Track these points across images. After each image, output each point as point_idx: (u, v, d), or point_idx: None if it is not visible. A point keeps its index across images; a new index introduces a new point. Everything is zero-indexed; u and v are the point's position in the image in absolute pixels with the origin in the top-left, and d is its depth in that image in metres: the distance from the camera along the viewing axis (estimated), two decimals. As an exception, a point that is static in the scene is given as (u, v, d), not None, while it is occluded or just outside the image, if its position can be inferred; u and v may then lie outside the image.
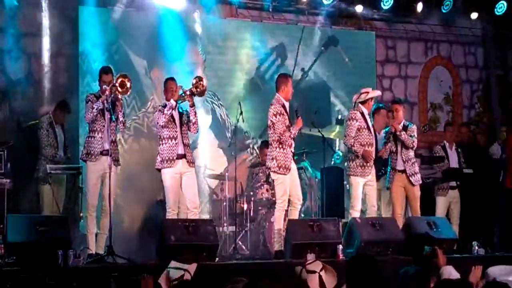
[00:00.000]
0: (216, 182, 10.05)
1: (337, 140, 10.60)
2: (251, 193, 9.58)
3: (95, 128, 8.09)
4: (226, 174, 9.66)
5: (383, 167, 9.19)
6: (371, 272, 4.97)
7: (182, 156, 8.18)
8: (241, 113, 9.90)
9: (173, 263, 6.16)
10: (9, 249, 7.01)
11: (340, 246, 7.95)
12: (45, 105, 9.39)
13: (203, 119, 10.50)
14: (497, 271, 6.05)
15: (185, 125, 8.29)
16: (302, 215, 9.30)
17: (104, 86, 8.05)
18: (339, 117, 10.99)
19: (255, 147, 10.75)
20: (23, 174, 8.94)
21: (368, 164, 8.64)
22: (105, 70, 8.30)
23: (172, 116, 8.19)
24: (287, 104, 8.33)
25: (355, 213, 8.56)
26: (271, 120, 8.22)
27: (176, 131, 8.20)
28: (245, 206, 9.42)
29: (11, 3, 9.70)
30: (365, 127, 8.71)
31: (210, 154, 10.54)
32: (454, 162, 10.17)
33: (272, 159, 8.23)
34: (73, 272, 6.85)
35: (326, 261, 6.91)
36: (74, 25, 10.10)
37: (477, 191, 10.22)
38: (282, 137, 8.16)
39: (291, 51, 11.37)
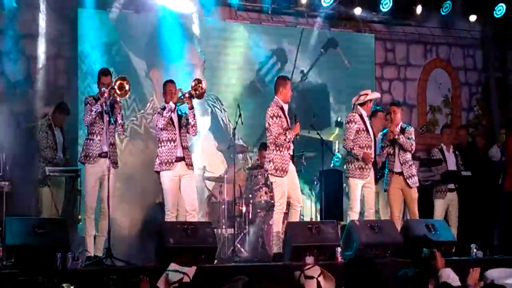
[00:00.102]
0: (215, 185, 10.05)
1: (336, 142, 10.60)
2: (250, 195, 9.58)
3: (93, 131, 8.09)
4: (225, 176, 9.66)
5: (380, 169, 9.19)
6: (369, 274, 4.98)
7: (181, 159, 8.19)
8: (240, 115, 9.90)
9: (172, 266, 6.17)
10: (8, 252, 7.01)
11: (339, 249, 7.94)
12: (44, 107, 9.37)
13: (203, 121, 10.52)
14: (495, 274, 6.05)
15: (184, 128, 8.29)
16: (302, 217, 9.31)
17: (103, 89, 8.04)
18: (339, 119, 10.99)
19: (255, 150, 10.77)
20: (22, 177, 8.93)
21: (367, 166, 8.65)
22: (104, 72, 8.29)
23: (171, 118, 8.19)
24: (285, 107, 8.32)
25: (354, 214, 8.58)
26: (268, 122, 8.24)
27: (175, 134, 8.20)
28: (244, 209, 9.42)
29: (10, 5, 9.71)
30: (364, 129, 8.72)
31: (209, 157, 10.53)
32: (452, 164, 10.17)
33: (270, 161, 8.24)
34: (72, 275, 6.85)
35: (324, 264, 6.96)
36: (73, 27, 10.10)
37: (475, 193, 10.22)
38: (277, 140, 8.16)
39: (290, 53, 11.38)
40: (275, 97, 8.34)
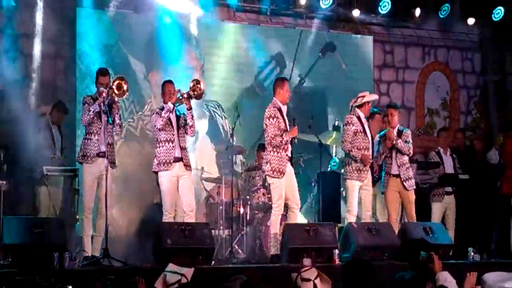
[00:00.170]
0: (213, 186, 10.05)
1: (334, 146, 10.59)
2: (248, 197, 9.58)
3: (91, 130, 8.08)
4: (223, 177, 9.66)
5: (378, 173, 9.19)
6: (367, 277, 5.00)
7: (179, 159, 8.18)
8: (238, 116, 9.91)
9: (170, 266, 6.17)
10: (5, 251, 7.02)
11: (336, 251, 7.94)
12: (43, 106, 9.36)
13: (201, 124, 10.53)
14: (493, 278, 6.06)
15: (182, 128, 8.28)
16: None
17: (101, 89, 8.04)
18: (336, 123, 10.98)
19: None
20: (20, 176, 8.92)
21: (365, 168, 8.67)
22: (102, 72, 8.29)
23: (169, 119, 8.19)
24: (284, 108, 8.33)
25: (352, 217, 8.58)
26: (265, 123, 8.25)
27: (173, 134, 8.20)
28: (242, 210, 9.42)
29: (8, 4, 9.71)
30: (361, 131, 8.73)
31: (207, 158, 10.53)
32: (449, 167, 10.19)
33: (267, 162, 8.26)
34: (69, 274, 6.84)
35: (322, 266, 6.96)
36: (72, 26, 10.09)
37: (473, 197, 10.23)
38: (273, 141, 8.17)
39: (289, 55, 11.38)
40: (274, 98, 8.35)
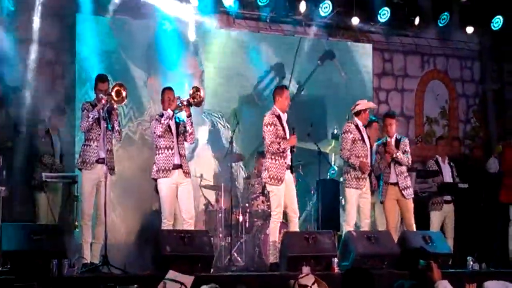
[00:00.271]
0: (212, 193, 10.04)
1: (333, 154, 10.59)
2: (247, 204, 9.58)
3: (90, 137, 8.08)
4: (222, 185, 9.65)
5: (376, 180, 9.19)
6: (366, 285, 5.00)
7: (178, 166, 8.17)
8: (238, 123, 9.93)
9: (171, 273, 6.15)
10: (4, 258, 6.99)
11: (336, 259, 7.92)
12: (42, 112, 9.34)
13: (202, 131, 10.53)
14: (492, 286, 6.05)
15: (181, 136, 8.28)
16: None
17: (101, 95, 8.04)
18: (335, 131, 10.98)
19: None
20: (19, 182, 8.91)
21: (363, 176, 8.67)
22: (101, 78, 8.29)
23: (169, 126, 8.18)
24: (283, 116, 8.33)
25: (348, 227, 8.57)
26: (263, 130, 8.27)
27: (172, 141, 8.19)
28: (241, 218, 9.42)
29: (8, 10, 9.70)
30: (360, 138, 8.75)
31: (206, 165, 10.52)
32: (447, 176, 10.19)
33: (265, 169, 8.27)
34: (68, 282, 6.83)
35: (321, 274, 6.95)
36: (72, 32, 10.09)
37: (472, 205, 10.23)
38: (270, 148, 8.17)
39: (288, 63, 11.39)
40: (273, 106, 8.36)
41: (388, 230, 8.82)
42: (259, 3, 10.89)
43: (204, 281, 6.79)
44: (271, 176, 8.18)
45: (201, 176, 9.99)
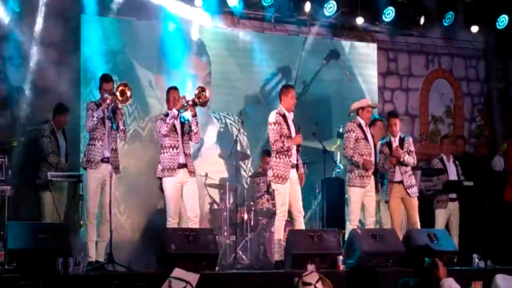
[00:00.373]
0: (217, 192, 10.05)
1: (338, 153, 10.59)
2: (252, 202, 9.58)
3: (95, 136, 8.10)
4: (227, 183, 9.66)
5: (380, 179, 9.20)
6: (371, 283, 4.99)
7: (183, 166, 8.18)
8: (242, 122, 9.93)
9: (176, 271, 6.15)
10: (9, 256, 7.00)
11: (340, 257, 7.93)
12: (47, 112, 9.36)
13: (210, 131, 10.53)
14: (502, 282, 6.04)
15: (186, 135, 8.29)
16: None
17: (106, 95, 8.06)
18: (340, 130, 10.99)
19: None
20: (24, 181, 8.93)
21: (367, 173, 8.66)
22: (105, 78, 8.31)
23: (174, 125, 8.19)
24: (289, 115, 8.34)
25: (352, 227, 8.54)
26: (268, 129, 8.30)
27: (177, 141, 8.20)
28: (246, 216, 9.42)
29: (13, 11, 9.73)
30: (363, 137, 8.75)
31: (211, 164, 10.53)
32: (452, 174, 10.19)
33: (270, 168, 8.30)
34: (73, 280, 6.84)
35: (326, 272, 6.94)
36: (76, 33, 10.11)
37: (477, 203, 10.22)
38: (273, 146, 8.19)
39: (293, 62, 11.39)
40: (279, 105, 8.38)
41: (393, 228, 8.82)
42: (264, 3, 10.91)
43: (209, 279, 6.83)
44: (276, 175, 8.19)
45: (206, 174, 10.00)
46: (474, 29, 11.94)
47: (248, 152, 10.79)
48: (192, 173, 8.24)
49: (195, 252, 7.49)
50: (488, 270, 8.17)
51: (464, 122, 12.60)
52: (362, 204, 8.76)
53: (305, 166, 9.70)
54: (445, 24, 11.73)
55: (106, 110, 8.00)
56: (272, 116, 8.28)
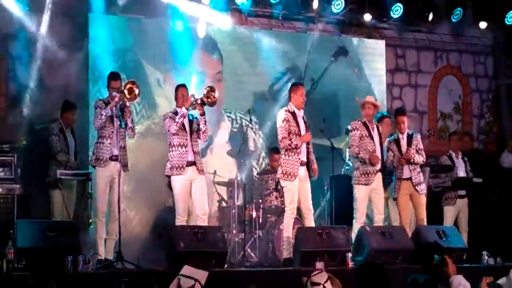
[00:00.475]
0: (226, 189, 10.05)
1: (347, 150, 10.58)
2: (260, 200, 9.58)
3: (104, 134, 8.12)
4: (235, 181, 9.66)
5: (388, 176, 9.18)
6: (380, 280, 4.98)
7: (192, 163, 8.19)
8: (250, 120, 9.93)
9: (186, 268, 6.15)
10: (19, 254, 7.02)
11: (349, 254, 7.93)
12: (55, 111, 9.37)
13: (222, 129, 10.53)
14: None
15: (195, 133, 8.29)
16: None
17: (114, 93, 8.07)
18: (349, 127, 10.97)
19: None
20: (34, 180, 8.95)
21: (372, 170, 8.63)
22: (113, 76, 8.33)
23: (182, 123, 8.20)
24: (299, 112, 8.34)
25: (358, 225, 8.53)
26: (277, 126, 8.31)
27: (186, 139, 8.21)
28: (254, 214, 9.42)
29: (21, 9, 9.75)
30: (367, 135, 8.75)
31: (219, 161, 10.54)
32: (461, 171, 10.16)
33: (279, 165, 8.31)
34: (82, 278, 6.87)
35: (335, 269, 6.95)
36: (84, 31, 10.13)
37: (486, 200, 10.19)
38: (281, 144, 8.20)
39: (301, 60, 11.37)
40: (289, 102, 8.39)
41: (402, 225, 8.81)
42: (271, 1, 10.90)
43: (218, 277, 6.84)
44: (285, 172, 8.20)
45: (215, 172, 10.00)
46: (483, 25, 11.90)
47: (261, 150, 10.79)
48: (201, 171, 8.25)
49: (203, 250, 7.50)
50: (497, 267, 8.15)
51: (473, 119, 12.57)
52: (370, 201, 8.75)
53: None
54: (454, 20, 11.70)
55: (114, 108, 8.01)
56: (281, 114, 8.30)
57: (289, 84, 10.69)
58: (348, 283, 6.04)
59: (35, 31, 9.80)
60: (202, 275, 6.22)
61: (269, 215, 9.49)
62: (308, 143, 8.34)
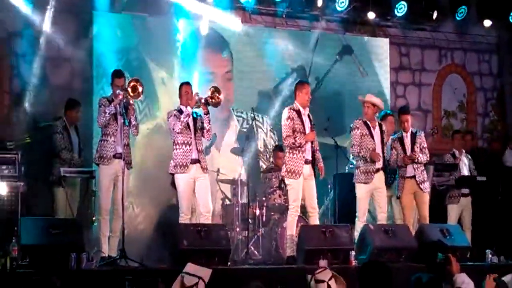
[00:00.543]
0: (229, 187, 10.05)
1: (351, 149, 10.57)
2: (264, 198, 9.58)
3: (108, 132, 8.13)
4: (239, 179, 9.66)
5: (392, 174, 9.18)
6: (383, 279, 4.97)
7: (196, 161, 8.19)
8: (254, 118, 9.92)
9: (189, 266, 6.16)
10: (23, 252, 7.03)
11: (353, 252, 7.92)
12: (59, 108, 9.38)
13: (230, 131, 10.56)
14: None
15: (199, 131, 8.28)
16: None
17: (118, 91, 8.08)
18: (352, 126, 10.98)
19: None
20: (37, 177, 8.96)
21: (372, 169, 8.62)
22: (117, 74, 8.33)
23: (187, 122, 8.20)
24: (304, 111, 8.34)
25: (361, 224, 8.53)
26: (281, 124, 8.30)
27: (190, 138, 8.21)
28: (258, 211, 9.42)
29: (26, 7, 9.76)
30: (367, 134, 8.74)
31: (226, 159, 10.53)
32: (464, 169, 10.15)
33: (283, 163, 8.32)
34: (86, 275, 6.88)
35: (338, 268, 6.94)
36: (88, 29, 10.13)
37: (490, 198, 10.17)
38: (285, 142, 8.21)
39: (305, 58, 11.36)
40: (294, 101, 8.40)
41: (405, 223, 8.80)
42: (276, -1, 10.91)
43: (221, 275, 6.84)
44: (289, 170, 8.20)
45: (218, 170, 10.00)
46: (487, 23, 11.87)
47: (269, 148, 10.79)
48: (204, 169, 8.25)
49: (207, 247, 7.51)
50: (501, 266, 8.15)
51: (477, 117, 12.54)
52: (373, 199, 8.73)
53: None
54: (458, 18, 11.68)
55: (118, 106, 8.02)
56: (286, 112, 8.31)
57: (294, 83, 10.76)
58: (352, 281, 6.04)
59: (39, 29, 9.81)
60: (205, 272, 6.23)
61: (272, 213, 9.49)
62: (313, 142, 8.34)
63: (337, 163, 9.55)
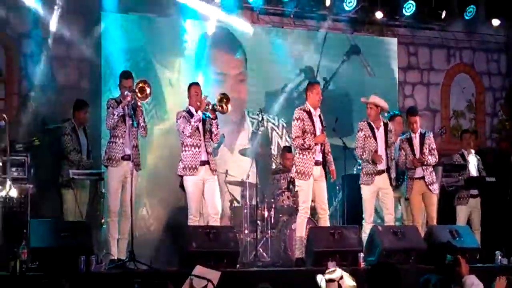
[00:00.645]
0: (238, 189, 10.05)
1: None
2: (272, 200, 9.57)
3: (116, 134, 8.13)
4: (248, 181, 9.65)
5: (401, 175, 9.15)
6: (392, 280, 4.95)
7: (205, 163, 8.17)
8: (262, 119, 9.91)
9: (198, 269, 6.15)
10: (32, 254, 7.04)
11: (362, 254, 7.91)
12: (68, 110, 9.40)
13: (244, 130, 10.59)
14: None
15: (208, 133, 8.26)
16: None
17: (126, 92, 8.07)
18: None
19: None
20: (46, 179, 8.97)
21: (375, 170, 8.59)
22: (125, 75, 8.32)
23: (196, 124, 8.20)
24: (315, 111, 8.33)
25: (368, 225, 8.51)
26: (292, 125, 8.31)
27: (200, 140, 8.19)
28: (266, 213, 9.40)
29: (34, 8, 9.78)
30: (370, 135, 8.71)
31: (231, 160, 10.53)
32: (473, 169, 10.12)
33: (293, 164, 8.31)
34: (95, 278, 6.89)
35: (346, 269, 6.92)
36: (96, 30, 10.15)
37: (499, 199, 10.14)
38: (294, 142, 8.21)
39: (313, 58, 11.34)
40: (305, 101, 8.40)
41: (414, 225, 8.78)
42: (283, -1, 10.90)
43: (230, 277, 6.83)
44: (298, 171, 8.19)
45: (226, 172, 9.99)
46: (496, 22, 11.84)
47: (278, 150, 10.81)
48: (213, 170, 8.23)
49: (216, 250, 7.51)
50: (511, 267, 8.11)
51: (486, 117, 12.50)
52: (379, 201, 8.71)
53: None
54: (466, 17, 11.64)
55: (126, 107, 8.02)
56: (296, 113, 8.31)
57: (303, 85, 10.77)
58: (361, 283, 6.02)
59: (47, 30, 9.82)
60: (214, 275, 6.21)
61: (281, 215, 9.49)
62: (323, 143, 8.32)
63: (345, 164, 9.54)
